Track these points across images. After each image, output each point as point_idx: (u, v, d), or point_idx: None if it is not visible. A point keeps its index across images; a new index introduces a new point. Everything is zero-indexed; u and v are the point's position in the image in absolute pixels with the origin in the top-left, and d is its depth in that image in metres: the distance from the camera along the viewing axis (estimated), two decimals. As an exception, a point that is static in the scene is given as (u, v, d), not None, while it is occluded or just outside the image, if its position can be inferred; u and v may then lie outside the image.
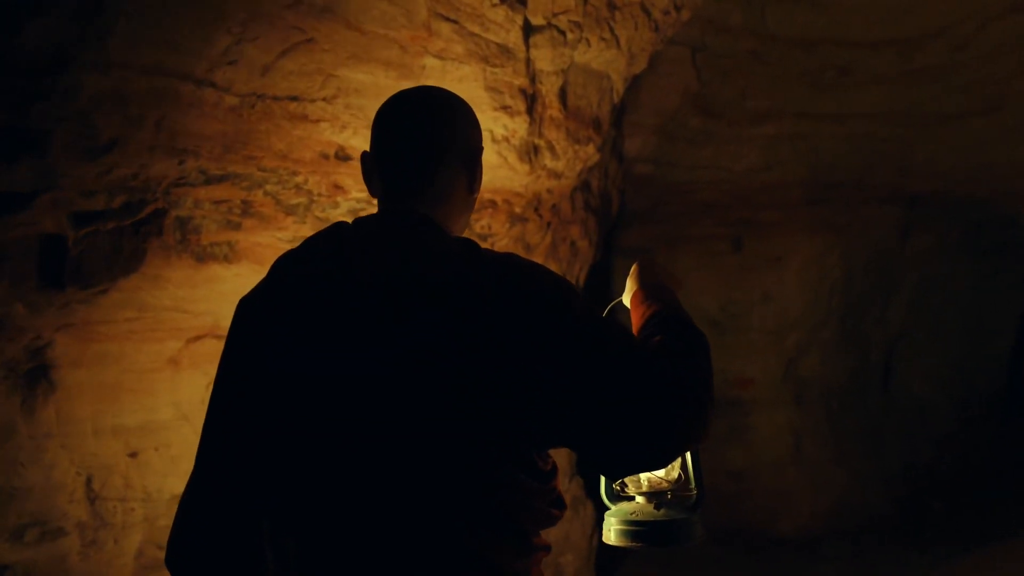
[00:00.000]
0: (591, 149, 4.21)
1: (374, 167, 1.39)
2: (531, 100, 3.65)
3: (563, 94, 3.87)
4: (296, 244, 1.41)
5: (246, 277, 3.16)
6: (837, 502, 7.26)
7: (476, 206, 4.31)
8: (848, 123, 6.81)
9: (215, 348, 3.35)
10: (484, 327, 1.17)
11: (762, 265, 7.43)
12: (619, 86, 4.38)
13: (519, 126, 3.63)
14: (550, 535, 1.32)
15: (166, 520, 3.29)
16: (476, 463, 1.19)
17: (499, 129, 3.56)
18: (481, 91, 3.38)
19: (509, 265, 1.26)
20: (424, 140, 1.35)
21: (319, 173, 3.14)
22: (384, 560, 1.20)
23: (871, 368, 8.01)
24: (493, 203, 3.95)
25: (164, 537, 3.35)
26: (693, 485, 1.44)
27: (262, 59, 2.70)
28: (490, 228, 4.06)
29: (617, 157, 6.39)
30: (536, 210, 4.32)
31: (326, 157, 3.13)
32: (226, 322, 1.36)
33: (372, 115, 1.41)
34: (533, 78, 3.64)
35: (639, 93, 6.13)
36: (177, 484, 3.34)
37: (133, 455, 3.23)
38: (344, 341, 1.21)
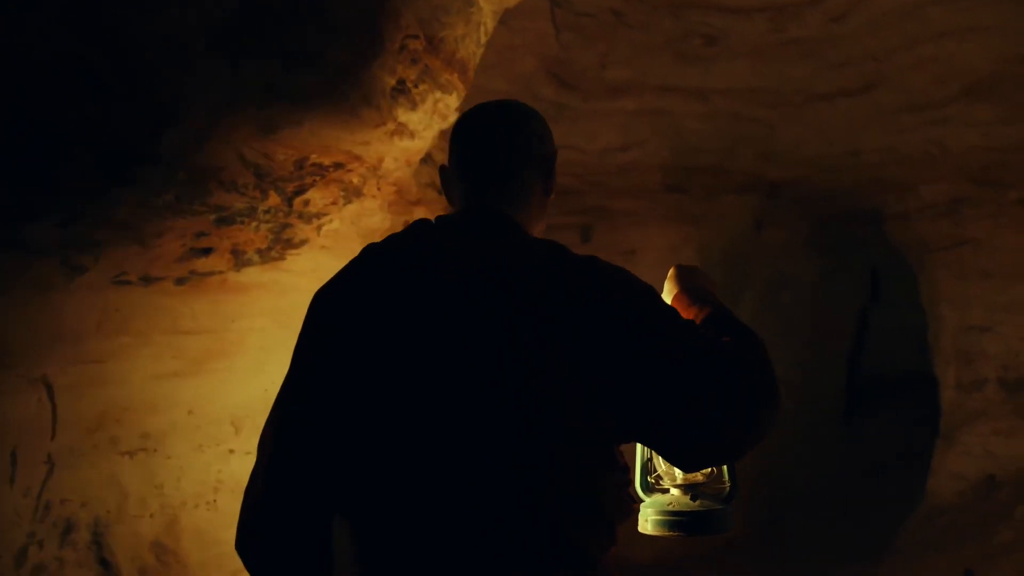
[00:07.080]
0: (453, 101, 3.12)
1: (454, 176, 1.45)
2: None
3: (424, 20, 2.75)
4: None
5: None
6: (696, 523, 6.57)
7: (294, 173, 3.08)
8: (712, 100, 6.08)
9: None
10: (572, 324, 1.21)
11: (614, 259, 6.33)
12: (488, 21, 3.32)
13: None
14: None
15: None
16: (569, 457, 1.21)
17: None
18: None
19: (596, 266, 1.30)
20: (506, 147, 1.44)
21: None
22: (479, 554, 1.19)
23: (724, 372, 7.41)
24: (320, 168, 2.75)
25: None
26: (726, 478, 1.45)
27: None
28: (315, 206, 2.87)
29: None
30: (378, 184, 3.16)
31: None
32: None
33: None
34: (384, -14, 2.51)
35: (487, 52, 5.08)
36: None
37: None
38: (435, 333, 1.23)
